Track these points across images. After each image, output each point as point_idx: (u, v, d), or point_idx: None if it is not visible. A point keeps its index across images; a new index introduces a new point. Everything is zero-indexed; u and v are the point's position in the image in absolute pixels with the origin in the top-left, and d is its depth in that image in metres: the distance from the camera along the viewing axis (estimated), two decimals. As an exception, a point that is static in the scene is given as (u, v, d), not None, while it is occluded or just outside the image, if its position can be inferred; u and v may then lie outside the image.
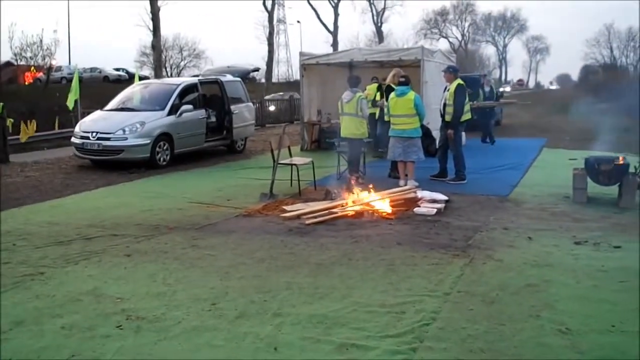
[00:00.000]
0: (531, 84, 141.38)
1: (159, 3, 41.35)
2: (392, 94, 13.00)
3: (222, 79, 20.19)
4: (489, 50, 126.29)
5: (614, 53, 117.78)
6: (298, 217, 10.09)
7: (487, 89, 23.78)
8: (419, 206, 10.71)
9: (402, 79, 12.91)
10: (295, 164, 12.65)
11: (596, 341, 5.48)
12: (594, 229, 9.73)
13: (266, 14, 58.91)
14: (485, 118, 22.53)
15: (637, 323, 5.86)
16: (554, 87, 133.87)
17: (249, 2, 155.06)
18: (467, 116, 13.64)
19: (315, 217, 9.91)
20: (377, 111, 17.03)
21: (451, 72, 13.74)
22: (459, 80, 13.57)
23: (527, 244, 8.79)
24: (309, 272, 7.34)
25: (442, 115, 13.71)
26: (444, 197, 11.18)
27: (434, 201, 10.92)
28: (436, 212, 10.44)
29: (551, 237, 9.20)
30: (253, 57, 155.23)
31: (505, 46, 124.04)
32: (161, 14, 42.07)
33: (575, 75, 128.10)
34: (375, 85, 17.95)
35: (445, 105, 13.50)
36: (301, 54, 21.38)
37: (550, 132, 28.19)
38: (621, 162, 11.90)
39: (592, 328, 5.76)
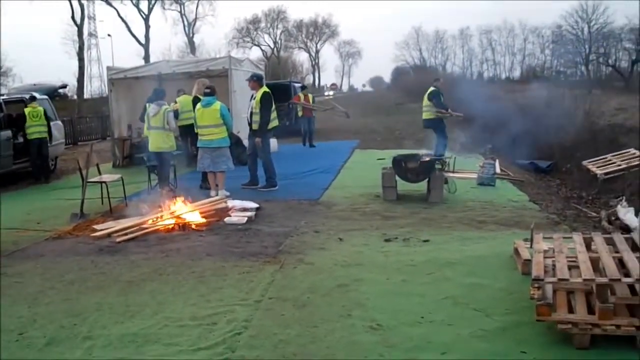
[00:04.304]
0: (345, 88, 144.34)
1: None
2: (198, 105, 12.93)
3: (28, 97, 19.43)
4: (301, 57, 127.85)
5: (423, 54, 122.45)
6: (109, 235, 9.86)
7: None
8: (230, 216, 10.74)
9: (207, 90, 12.85)
10: (104, 182, 12.39)
11: (406, 333, 5.69)
12: (404, 225, 10.10)
13: (75, 28, 57.17)
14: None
15: (444, 312, 6.17)
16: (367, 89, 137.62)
17: (57, 16, 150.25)
18: (274, 123, 13.73)
19: (126, 234, 9.74)
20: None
21: (256, 81, 13.80)
22: (265, 88, 13.64)
23: (337, 245, 8.99)
24: (119, 290, 7.21)
25: (250, 124, 13.77)
26: (255, 205, 11.24)
27: (245, 210, 10.97)
28: (247, 220, 10.50)
29: (361, 236, 9.46)
30: (64, 73, 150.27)
31: (317, 52, 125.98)
32: (-38, 30, 39.98)
33: (387, 77, 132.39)
34: (185, 96, 17.74)
35: (252, 113, 13.56)
36: (109, 68, 20.88)
37: (362, 133, 28.93)
38: (428, 159, 12.33)
39: (401, 321, 5.97)
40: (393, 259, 8.17)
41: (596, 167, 15.44)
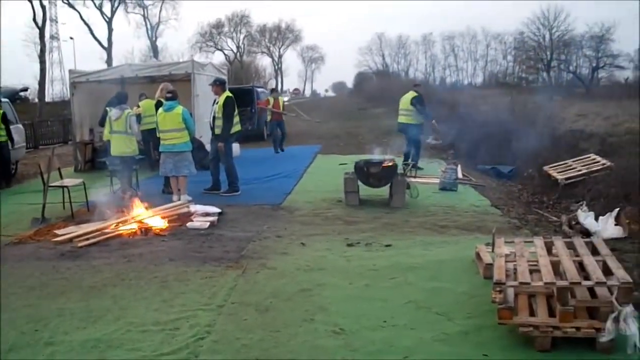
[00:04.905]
0: (307, 93, 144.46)
1: None
2: (160, 109, 12.91)
3: (-5, 100, 19.15)
4: (264, 61, 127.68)
5: (385, 60, 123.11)
6: (70, 240, 9.78)
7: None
8: (192, 220, 10.73)
9: (169, 95, 12.83)
10: (66, 186, 12.27)
11: (368, 338, 5.74)
12: (366, 230, 10.15)
13: (37, 31, 56.36)
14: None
15: (406, 316, 6.23)
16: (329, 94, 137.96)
17: (18, 18, 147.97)
18: (236, 128, 13.73)
19: (87, 239, 9.68)
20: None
21: (218, 85, 13.75)
22: (228, 93, 13.61)
23: (300, 249, 9.02)
24: (81, 296, 7.16)
25: (212, 129, 13.75)
26: (217, 210, 11.25)
27: (207, 214, 10.98)
28: (209, 225, 10.48)
29: (324, 241, 9.50)
30: (26, 76, 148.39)
31: (280, 57, 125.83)
32: None
33: (350, 83, 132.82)
34: (148, 101, 17.66)
35: (214, 118, 13.55)
36: (71, 71, 20.76)
37: (325, 138, 28.97)
38: (390, 164, 12.37)
39: (364, 326, 6.02)
40: (355, 263, 8.20)
41: (557, 172, 15.56)
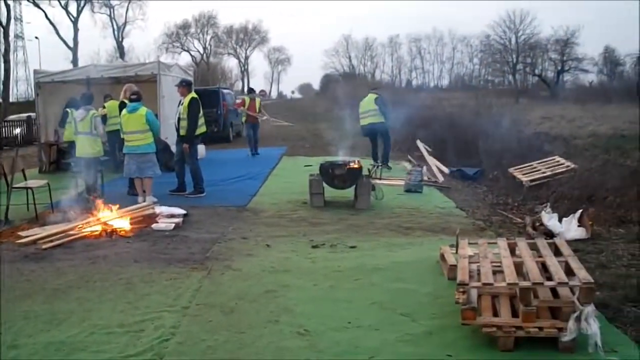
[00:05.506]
0: (274, 94, 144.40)
1: None
2: (124, 111, 12.87)
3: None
4: (231, 63, 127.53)
5: (352, 62, 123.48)
6: (34, 242, 9.65)
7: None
8: (157, 222, 10.70)
9: (133, 96, 12.80)
10: (30, 187, 12.17)
11: (333, 339, 5.74)
12: (331, 232, 10.16)
13: (1, 29, 55.73)
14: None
15: (371, 317, 6.24)
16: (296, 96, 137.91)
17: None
18: (202, 129, 13.73)
19: (52, 241, 9.57)
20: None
21: (184, 86, 13.75)
22: (193, 94, 13.63)
23: (265, 251, 9.02)
24: (45, 298, 7.08)
25: (177, 130, 13.76)
26: (182, 211, 11.23)
27: (172, 216, 10.95)
28: (174, 226, 10.47)
29: (289, 242, 9.51)
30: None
31: (247, 58, 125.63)
32: None
33: (316, 84, 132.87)
34: (113, 102, 17.54)
35: (179, 119, 13.54)
36: (35, 71, 20.59)
37: (291, 140, 28.95)
38: (355, 165, 12.40)
39: (329, 327, 6.03)
40: (320, 265, 8.23)
41: (522, 174, 15.68)
